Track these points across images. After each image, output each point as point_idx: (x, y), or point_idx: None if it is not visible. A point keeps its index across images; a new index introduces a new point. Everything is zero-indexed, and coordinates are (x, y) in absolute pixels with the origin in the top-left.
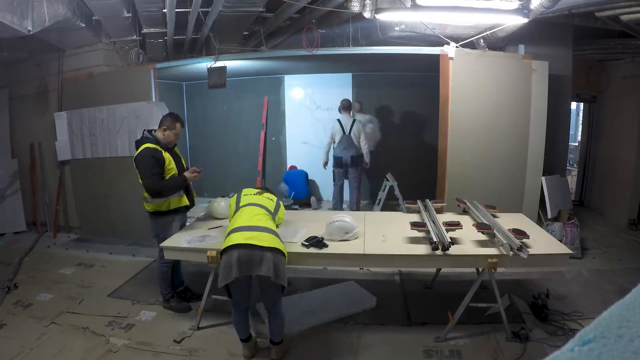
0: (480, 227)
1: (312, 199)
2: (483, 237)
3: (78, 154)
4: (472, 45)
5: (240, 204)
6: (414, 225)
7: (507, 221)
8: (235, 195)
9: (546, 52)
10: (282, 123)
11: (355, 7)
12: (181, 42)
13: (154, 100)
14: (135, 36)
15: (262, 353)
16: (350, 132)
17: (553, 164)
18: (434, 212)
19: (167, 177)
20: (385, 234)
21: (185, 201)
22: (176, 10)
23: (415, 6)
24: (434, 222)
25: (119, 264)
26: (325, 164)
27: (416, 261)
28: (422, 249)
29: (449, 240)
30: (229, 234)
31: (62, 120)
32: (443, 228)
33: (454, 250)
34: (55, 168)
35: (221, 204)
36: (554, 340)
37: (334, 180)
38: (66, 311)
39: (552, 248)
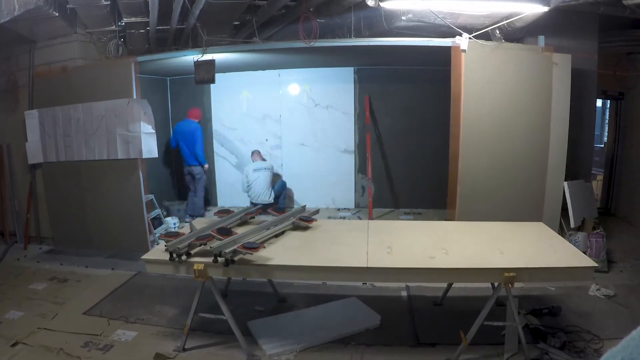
0: None
1: None
2: (498, 249)
3: (51, 157)
4: (486, 37)
5: None
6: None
7: (525, 232)
8: None
9: (569, 44)
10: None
11: None
12: (165, 33)
13: (134, 97)
14: (114, 26)
15: None
16: None
17: (576, 167)
18: None
19: None
20: (391, 245)
21: None
22: None
23: None
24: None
25: (96, 279)
26: None
27: (425, 275)
28: (431, 262)
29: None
30: None
31: (33, 119)
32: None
33: (467, 263)
34: (25, 172)
35: None
36: None
37: None
38: (38, 330)
39: (576, 260)
